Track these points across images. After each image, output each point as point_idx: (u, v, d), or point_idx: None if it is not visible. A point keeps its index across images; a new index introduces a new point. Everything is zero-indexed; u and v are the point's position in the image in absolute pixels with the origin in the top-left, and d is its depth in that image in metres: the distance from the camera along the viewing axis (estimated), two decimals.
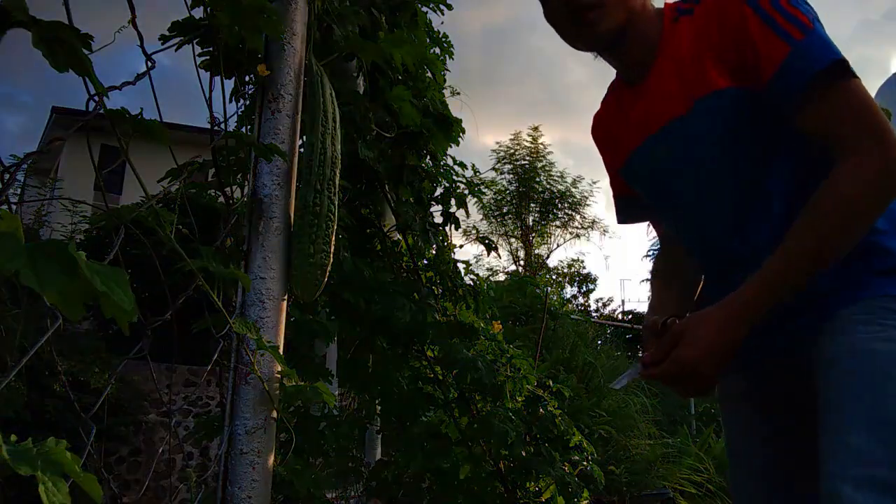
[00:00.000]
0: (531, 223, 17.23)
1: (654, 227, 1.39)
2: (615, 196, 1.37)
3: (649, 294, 1.32)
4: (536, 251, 17.26)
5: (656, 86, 1.11)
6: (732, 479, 1.22)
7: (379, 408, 1.94)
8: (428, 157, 2.03)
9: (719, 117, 1.04)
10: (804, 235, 0.95)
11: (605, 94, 1.30)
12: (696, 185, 1.10)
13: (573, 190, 17.38)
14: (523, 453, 1.93)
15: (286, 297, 1.08)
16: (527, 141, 16.97)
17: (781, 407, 1.14)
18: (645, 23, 1.11)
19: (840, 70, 0.94)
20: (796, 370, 1.07)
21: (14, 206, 0.56)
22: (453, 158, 2.18)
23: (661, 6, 1.14)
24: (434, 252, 2.03)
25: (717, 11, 1.03)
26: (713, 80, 1.03)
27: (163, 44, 1.01)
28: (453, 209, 2.04)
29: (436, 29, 2.13)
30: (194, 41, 1.04)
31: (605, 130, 1.30)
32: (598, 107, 1.32)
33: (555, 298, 11.54)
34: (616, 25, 1.07)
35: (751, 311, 0.95)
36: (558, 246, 17.79)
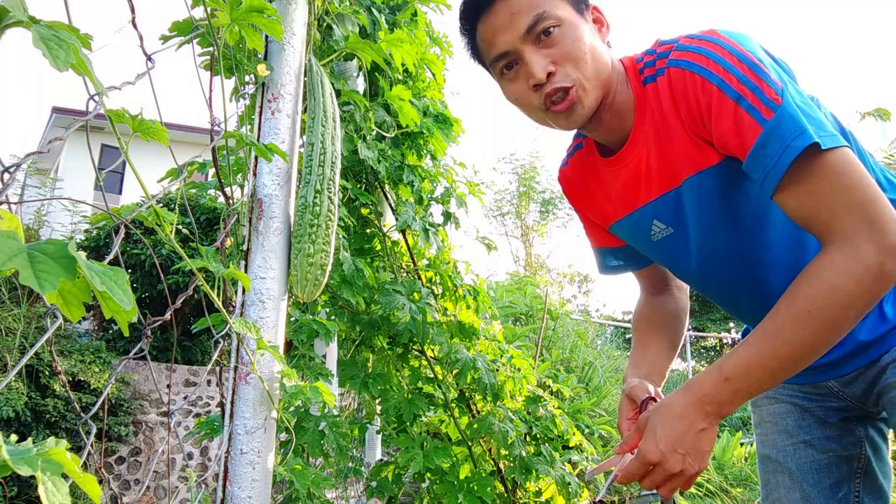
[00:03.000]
0: (531, 223, 17.21)
1: (637, 277, 1.31)
2: (595, 248, 1.29)
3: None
4: (536, 251, 17.25)
5: (638, 162, 1.04)
6: (771, 489, 1.20)
7: (379, 408, 1.93)
8: (428, 157, 2.03)
9: (711, 188, 0.99)
10: (776, 335, 0.83)
11: (571, 153, 1.22)
12: (697, 244, 1.06)
13: None
14: (523, 453, 1.93)
15: (286, 297, 1.08)
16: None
17: (836, 418, 1.15)
18: (619, 94, 1.02)
19: (818, 146, 0.83)
20: (858, 389, 1.09)
21: (14, 206, 0.56)
22: (453, 158, 2.18)
23: (622, 62, 1.04)
24: (434, 252, 2.03)
25: (681, 89, 0.93)
26: (697, 159, 0.97)
27: (163, 44, 1.01)
28: (453, 209, 2.04)
29: (436, 29, 2.13)
30: (194, 41, 1.04)
31: (582, 195, 1.22)
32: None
33: (555, 298, 11.54)
34: (591, 108, 0.99)
35: (710, 405, 0.86)
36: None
